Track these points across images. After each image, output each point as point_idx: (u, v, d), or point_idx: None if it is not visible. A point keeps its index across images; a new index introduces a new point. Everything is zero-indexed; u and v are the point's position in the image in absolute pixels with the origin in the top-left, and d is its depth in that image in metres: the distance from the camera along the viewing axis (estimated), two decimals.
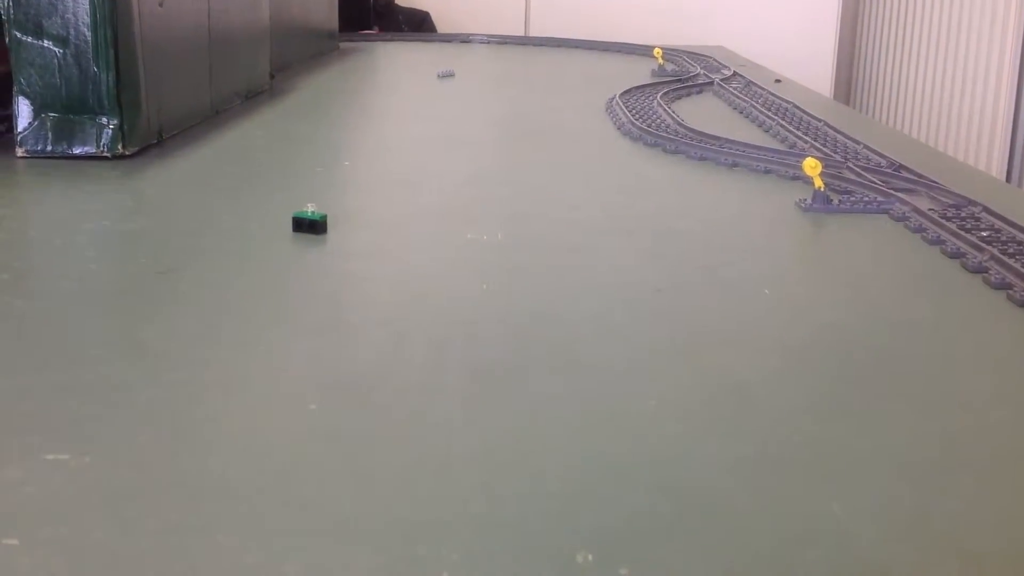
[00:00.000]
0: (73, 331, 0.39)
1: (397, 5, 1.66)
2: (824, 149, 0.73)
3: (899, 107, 1.96)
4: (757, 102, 0.95)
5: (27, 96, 0.66)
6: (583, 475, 0.29)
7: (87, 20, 0.64)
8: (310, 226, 0.51)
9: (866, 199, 0.60)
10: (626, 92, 0.97)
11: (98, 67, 0.65)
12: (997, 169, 1.58)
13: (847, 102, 2.21)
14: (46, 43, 0.65)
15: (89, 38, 0.65)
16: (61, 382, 0.34)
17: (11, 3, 0.64)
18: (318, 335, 0.39)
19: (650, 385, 0.35)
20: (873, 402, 0.34)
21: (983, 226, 0.53)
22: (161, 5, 0.71)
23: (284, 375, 0.35)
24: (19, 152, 0.66)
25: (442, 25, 1.80)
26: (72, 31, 0.65)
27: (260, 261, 0.48)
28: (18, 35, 0.65)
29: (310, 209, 0.52)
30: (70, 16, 0.64)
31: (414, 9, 1.72)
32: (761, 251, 0.52)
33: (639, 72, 1.19)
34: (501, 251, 0.51)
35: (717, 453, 0.31)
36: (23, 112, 0.66)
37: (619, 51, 1.47)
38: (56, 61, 0.65)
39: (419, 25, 1.74)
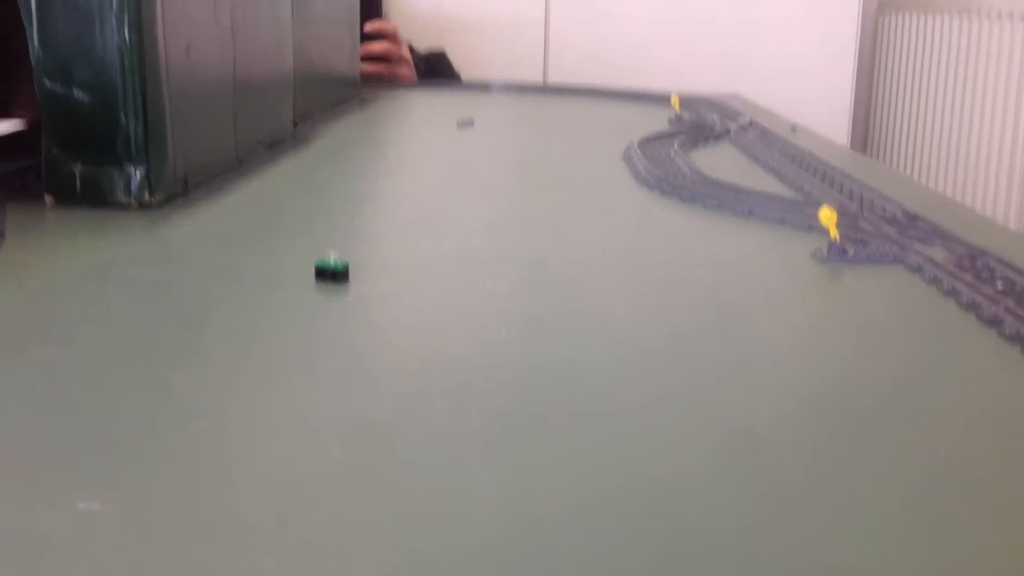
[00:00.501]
0: (101, 379, 0.39)
1: (413, 50, 1.68)
2: (840, 198, 0.74)
3: (916, 154, 1.97)
4: (773, 150, 0.96)
5: (55, 144, 0.67)
6: (601, 519, 0.30)
7: (116, 69, 0.66)
8: (332, 274, 0.52)
9: (881, 249, 0.60)
10: (643, 140, 0.98)
11: (126, 116, 0.67)
12: (1015, 219, 1.59)
13: (864, 147, 2.22)
14: (75, 91, 0.67)
15: (118, 87, 0.66)
16: (89, 430, 0.35)
17: (41, 51, 0.66)
18: (341, 382, 0.40)
19: (665, 431, 0.36)
20: (886, 452, 0.35)
21: (998, 277, 0.54)
22: (188, 54, 0.73)
23: (308, 422, 0.36)
24: (48, 201, 0.67)
25: (462, 74, 1.82)
26: (101, 80, 0.66)
27: (284, 309, 0.49)
28: (47, 83, 0.66)
29: (332, 257, 0.53)
30: (99, 65, 0.66)
31: (430, 52, 1.73)
32: (776, 300, 0.53)
33: (656, 120, 1.20)
34: (519, 298, 0.52)
35: (730, 498, 0.31)
36: (51, 161, 0.67)
37: (636, 98, 1.48)
38: (84, 110, 0.67)
39: (436, 66, 1.75)
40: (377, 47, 1.59)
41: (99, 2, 0.65)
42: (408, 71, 1.66)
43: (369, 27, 1.57)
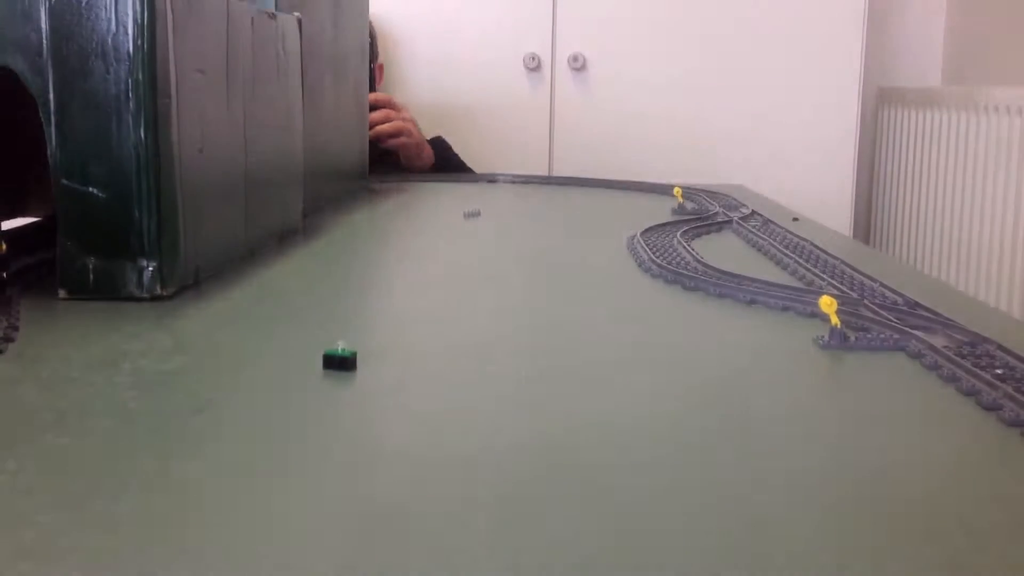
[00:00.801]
0: (113, 468, 0.40)
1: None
2: (841, 287, 0.75)
3: (918, 244, 1.99)
4: (775, 240, 0.98)
5: (70, 239, 0.68)
6: None
7: (131, 167, 0.68)
8: (340, 363, 0.53)
9: (882, 336, 0.61)
10: (647, 230, 0.99)
11: (140, 212, 0.68)
12: (1019, 308, 1.60)
13: (866, 237, 2.24)
14: (91, 188, 0.68)
15: (133, 184, 0.68)
16: (100, 518, 0.35)
17: (58, 149, 0.68)
18: (348, 469, 0.40)
19: (673, 517, 0.36)
20: (889, 536, 0.35)
21: (997, 363, 0.55)
22: (201, 151, 0.75)
23: (316, 509, 0.36)
24: (61, 294, 0.69)
25: (469, 163, 1.85)
26: (116, 177, 0.68)
27: (293, 398, 0.50)
28: (64, 180, 0.68)
29: (340, 346, 0.54)
30: (115, 163, 0.68)
31: (432, 140, 1.76)
32: (779, 387, 0.54)
33: (659, 210, 1.22)
34: (526, 385, 0.52)
35: None
36: (66, 255, 0.69)
37: (640, 190, 1.50)
38: (99, 206, 0.68)
39: (440, 151, 1.77)
40: (378, 115, 1.60)
41: (117, 102, 0.67)
42: (417, 133, 1.68)
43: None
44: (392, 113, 1.63)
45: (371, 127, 1.53)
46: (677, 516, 0.37)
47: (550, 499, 0.38)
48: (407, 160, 1.67)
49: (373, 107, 1.58)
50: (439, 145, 1.78)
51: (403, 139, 1.64)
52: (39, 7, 0.66)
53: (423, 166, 1.70)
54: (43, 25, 0.66)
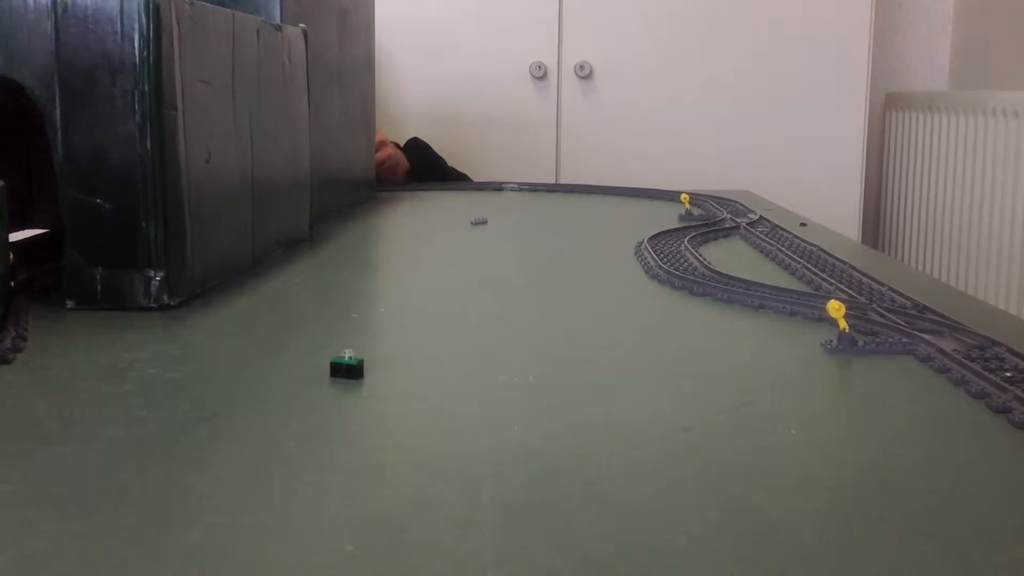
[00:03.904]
0: (120, 477, 0.40)
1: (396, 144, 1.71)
2: (849, 291, 0.75)
3: (927, 248, 1.98)
4: (783, 245, 0.98)
5: (77, 250, 0.69)
6: None
7: (138, 178, 0.68)
8: (347, 371, 0.53)
9: (891, 340, 0.61)
10: (654, 236, 0.99)
11: (146, 223, 0.68)
12: None
13: (875, 242, 2.23)
14: (98, 200, 0.68)
15: (139, 195, 0.68)
16: (107, 526, 0.35)
17: (65, 162, 0.68)
18: (355, 477, 0.40)
19: (680, 523, 0.36)
20: (900, 541, 0.35)
21: (1007, 366, 0.54)
22: (208, 161, 0.75)
23: (322, 517, 0.36)
24: (68, 304, 0.69)
25: (475, 174, 1.85)
26: (123, 189, 0.68)
27: (299, 406, 0.50)
28: (71, 192, 0.68)
29: (347, 354, 0.54)
30: (122, 175, 0.68)
31: (408, 143, 1.76)
32: (788, 391, 0.53)
33: (667, 217, 1.22)
34: (532, 392, 0.52)
35: None
36: (73, 266, 0.69)
37: (647, 196, 1.50)
38: (106, 217, 0.68)
39: (419, 151, 1.77)
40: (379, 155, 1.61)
41: (123, 114, 0.67)
42: (401, 157, 1.69)
43: None
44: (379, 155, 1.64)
45: None
46: (685, 522, 0.37)
47: (558, 506, 0.38)
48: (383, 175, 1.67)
49: None
50: (415, 147, 1.77)
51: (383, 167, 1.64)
52: (45, 20, 0.67)
53: (399, 178, 1.70)
54: (50, 38, 0.67)
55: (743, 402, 0.50)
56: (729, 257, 0.93)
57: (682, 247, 0.94)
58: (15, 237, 0.87)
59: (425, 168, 1.75)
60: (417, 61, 2.01)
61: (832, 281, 0.78)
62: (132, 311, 0.68)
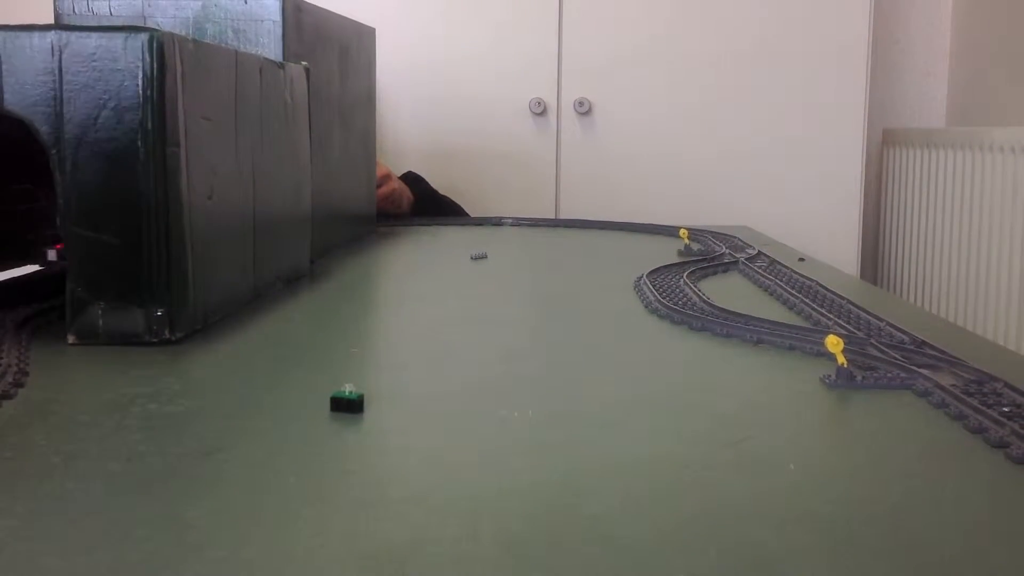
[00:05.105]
0: (121, 512, 0.40)
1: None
2: (847, 326, 0.75)
3: (925, 284, 1.99)
4: (781, 280, 0.98)
5: (80, 286, 0.69)
6: None
7: (141, 215, 0.68)
8: (347, 405, 0.53)
9: (889, 375, 0.61)
10: (653, 271, 1.00)
11: (150, 259, 0.69)
12: None
13: (874, 277, 2.24)
14: (101, 236, 0.69)
15: (141, 231, 0.69)
16: (109, 561, 0.35)
17: (69, 198, 0.68)
18: (355, 511, 0.40)
19: (680, 560, 0.36)
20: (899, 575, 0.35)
21: (1005, 401, 0.55)
22: (210, 198, 0.75)
23: (322, 551, 0.37)
24: (70, 339, 0.69)
25: (475, 209, 1.86)
26: (126, 225, 0.69)
27: (300, 440, 0.50)
28: (74, 229, 0.69)
29: (348, 389, 0.54)
30: (125, 211, 0.68)
31: (404, 176, 1.77)
32: (786, 426, 0.54)
33: (666, 252, 1.23)
34: (532, 427, 0.52)
35: None
36: (76, 301, 0.69)
37: (646, 231, 1.51)
38: (109, 253, 0.69)
39: (417, 191, 1.77)
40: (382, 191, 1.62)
41: (127, 152, 0.68)
42: (405, 190, 1.70)
43: None
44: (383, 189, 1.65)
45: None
46: (685, 559, 0.37)
47: (556, 542, 0.38)
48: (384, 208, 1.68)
49: None
50: (411, 181, 1.78)
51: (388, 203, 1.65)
52: (49, 57, 0.67)
53: (404, 211, 1.71)
54: (54, 75, 0.67)
55: (742, 437, 0.51)
56: (728, 292, 0.93)
57: (681, 282, 0.94)
58: (17, 273, 0.87)
59: (422, 201, 1.76)
60: (417, 96, 2.02)
61: (831, 316, 0.79)
62: (134, 346, 0.68)
